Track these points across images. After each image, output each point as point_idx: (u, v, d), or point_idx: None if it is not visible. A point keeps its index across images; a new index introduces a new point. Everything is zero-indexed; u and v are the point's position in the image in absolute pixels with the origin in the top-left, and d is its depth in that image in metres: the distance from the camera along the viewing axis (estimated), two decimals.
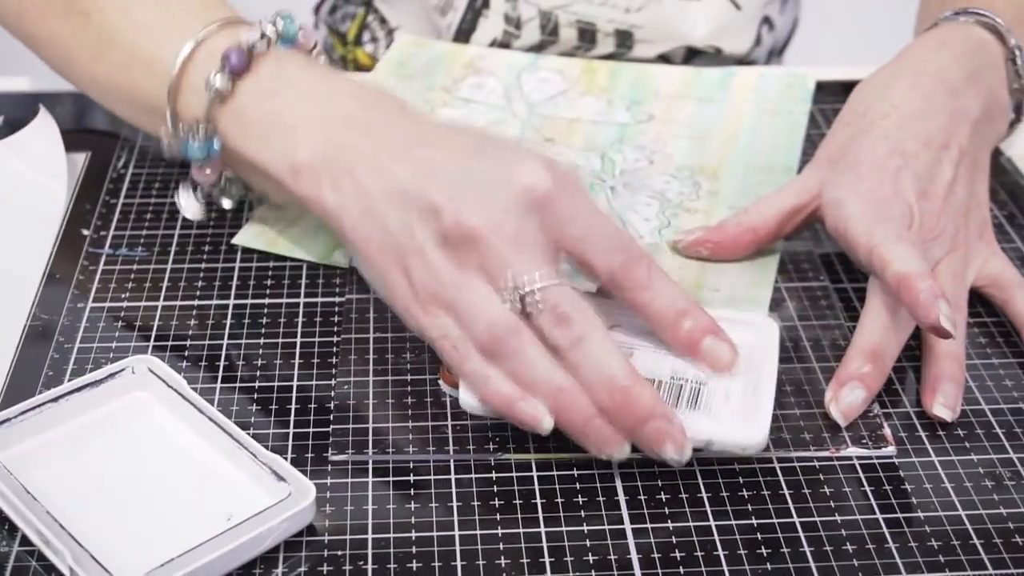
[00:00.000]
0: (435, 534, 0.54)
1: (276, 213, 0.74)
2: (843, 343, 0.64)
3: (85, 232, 0.73)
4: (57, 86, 0.86)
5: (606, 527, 0.55)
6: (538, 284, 0.57)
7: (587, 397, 0.56)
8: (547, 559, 0.53)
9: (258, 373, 0.63)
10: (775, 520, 0.56)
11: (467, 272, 0.58)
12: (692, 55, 0.95)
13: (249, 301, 0.68)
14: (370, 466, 0.58)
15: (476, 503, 0.56)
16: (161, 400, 0.59)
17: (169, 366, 0.60)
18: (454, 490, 0.57)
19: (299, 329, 0.66)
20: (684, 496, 0.57)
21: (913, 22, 0.87)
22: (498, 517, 0.55)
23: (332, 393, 0.62)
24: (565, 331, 0.56)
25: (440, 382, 0.62)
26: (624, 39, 0.94)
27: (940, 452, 0.59)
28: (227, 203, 0.72)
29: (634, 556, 0.54)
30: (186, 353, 0.64)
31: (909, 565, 0.54)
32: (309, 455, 0.58)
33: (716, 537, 0.55)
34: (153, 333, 0.65)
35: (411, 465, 0.58)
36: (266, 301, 0.68)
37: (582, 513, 0.56)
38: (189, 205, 0.72)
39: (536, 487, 0.57)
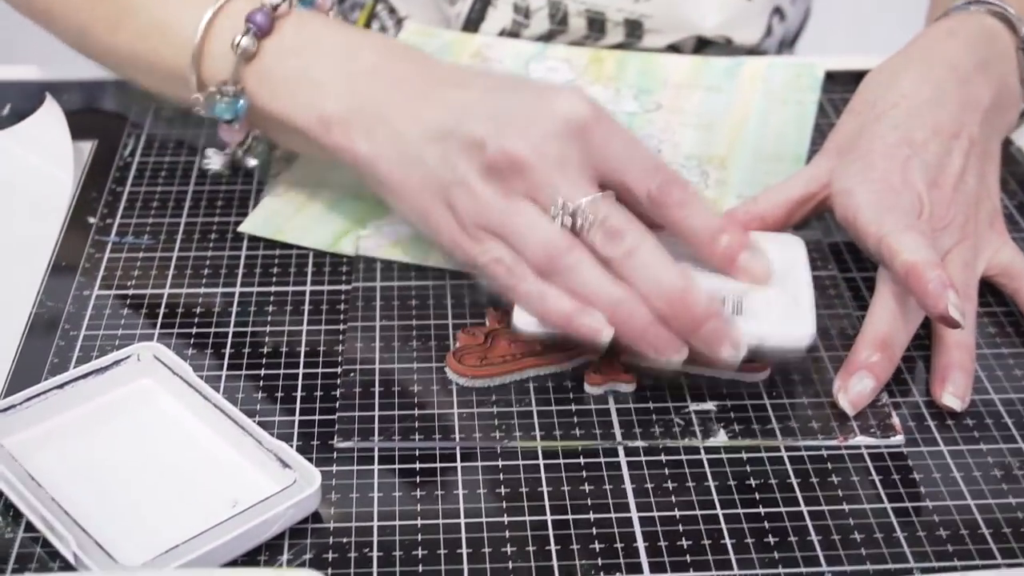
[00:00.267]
0: (441, 521, 0.54)
1: (283, 201, 0.73)
2: (852, 332, 0.64)
3: (91, 220, 0.73)
4: (64, 75, 0.86)
5: (612, 515, 0.55)
6: (588, 200, 0.58)
7: (644, 306, 0.58)
8: (553, 547, 0.53)
9: (264, 360, 0.63)
10: (782, 509, 0.55)
11: (514, 199, 0.60)
12: (702, 45, 0.94)
13: (255, 289, 0.68)
14: (376, 453, 0.58)
15: (482, 491, 0.56)
16: (166, 387, 0.59)
17: (175, 353, 0.60)
18: (460, 478, 0.56)
19: (305, 317, 0.66)
20: (691, 484, 0.56)
21: (924, 11, 0.87)
22: (504, 505, 0.55)
23: (338, 380, 0.61)
24: (617, 244, 0.58)
25: (446, 369, 0.62)
26: (634, 29, 0.93)
27: (949, 442, 0.59)
28: (252, 161, 0.74)
29: (640, 544, 0.53)
30: (192, 340, 0.64)
31: (917, 555, 0.53)
32: (315, 442, 0.58)
33: (723, 526, 0.54)
34: (159, 320, 0.65)
35: (417, 453, 0.58)
36: (272, 289, 0.68)
37: (588, 501, 0.55)
38: (215, 159, 0.74)
39: (542, 475, 0.57)
